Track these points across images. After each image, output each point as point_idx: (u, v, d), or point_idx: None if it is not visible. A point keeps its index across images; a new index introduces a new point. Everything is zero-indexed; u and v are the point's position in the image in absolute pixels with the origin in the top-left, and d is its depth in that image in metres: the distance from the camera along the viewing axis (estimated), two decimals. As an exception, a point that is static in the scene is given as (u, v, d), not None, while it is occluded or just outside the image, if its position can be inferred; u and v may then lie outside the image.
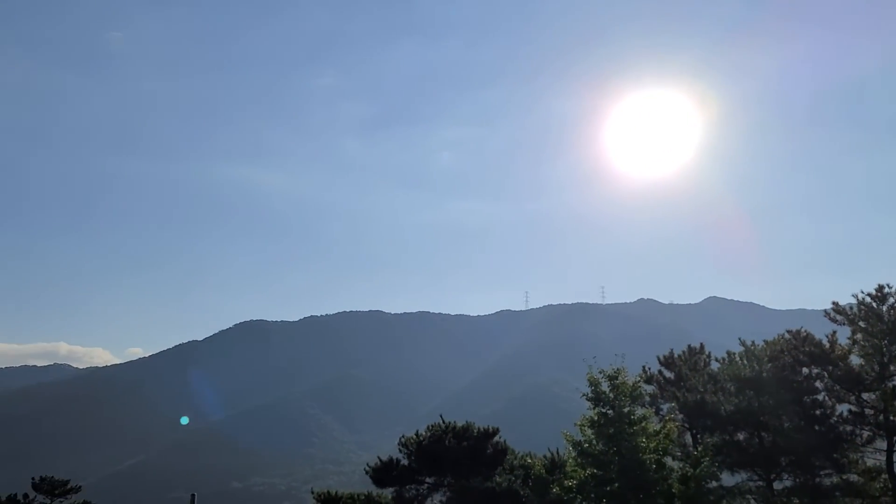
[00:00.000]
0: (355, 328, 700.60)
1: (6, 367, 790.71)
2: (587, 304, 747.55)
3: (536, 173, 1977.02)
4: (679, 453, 39.80)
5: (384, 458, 32.78)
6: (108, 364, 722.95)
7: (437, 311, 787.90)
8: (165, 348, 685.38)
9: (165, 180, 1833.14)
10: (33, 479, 70.38)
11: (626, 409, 33.21)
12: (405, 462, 32.46)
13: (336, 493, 33.11)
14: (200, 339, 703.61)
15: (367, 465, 33.27)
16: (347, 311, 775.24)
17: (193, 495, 38.31)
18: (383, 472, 32.38)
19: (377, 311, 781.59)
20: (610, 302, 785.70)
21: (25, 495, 68.51)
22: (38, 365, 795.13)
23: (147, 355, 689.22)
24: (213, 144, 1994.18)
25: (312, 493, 33.90)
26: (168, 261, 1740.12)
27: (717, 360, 45.39)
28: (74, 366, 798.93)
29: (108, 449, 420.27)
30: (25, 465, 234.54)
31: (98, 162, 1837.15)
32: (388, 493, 32.63)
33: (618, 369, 34.17)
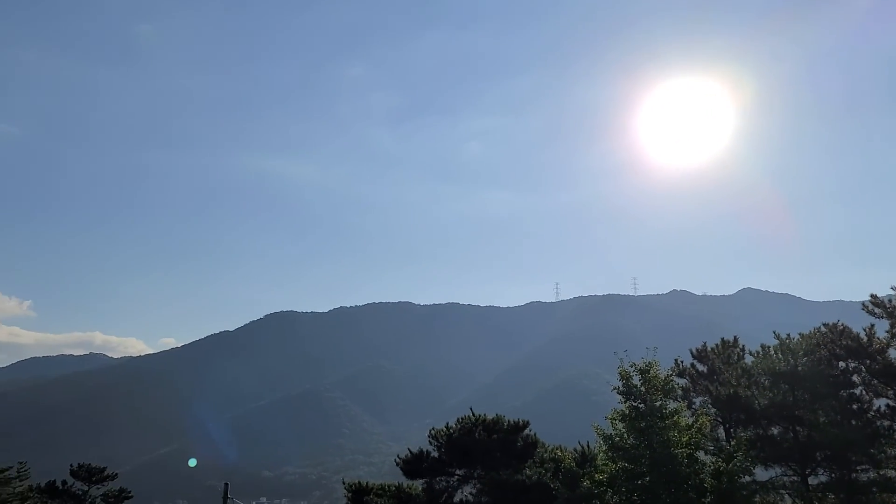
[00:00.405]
0: (384, 320, 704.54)
1: (43, 357, 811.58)
2: (619, 295, 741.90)
3: (567, 163, 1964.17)
4: (712, 447, 39.30)
5: (414, 450, 32.88)
6: (142, 354, 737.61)
7: (466, 303, 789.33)
8: (198, 339, 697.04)
9: (197, 173, 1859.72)
10: (71, 466, 72.04)
11: (657, 403, 32.85)
12: (435, 454, 32.52)
13: (367, 483, 33.32)
14: (232, 329, 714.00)
15: (398, 456, 33.43)
16: (376, 302, 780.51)
17: (226, 484, 38.85)
18: (413, 464, 32.50)
19: (406, 302, 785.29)
20: (642, 293, 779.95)
21: (64, 482, 70.17)
22: (75, 354, 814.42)
23: (180, 345, 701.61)
24: (243, 137, 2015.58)
25: (343, 483, 34.17)
26: (200, 253, 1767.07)
27: (751, 353, 44.68)
28: (109, 355, 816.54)
29: (142, 437, 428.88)
30: (63, 453, 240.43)
31: (131, 155, 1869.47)
32: (418, 484, 32.74)
33: (649, 363, 33.81)
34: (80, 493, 69.67)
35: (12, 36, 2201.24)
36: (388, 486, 32.71)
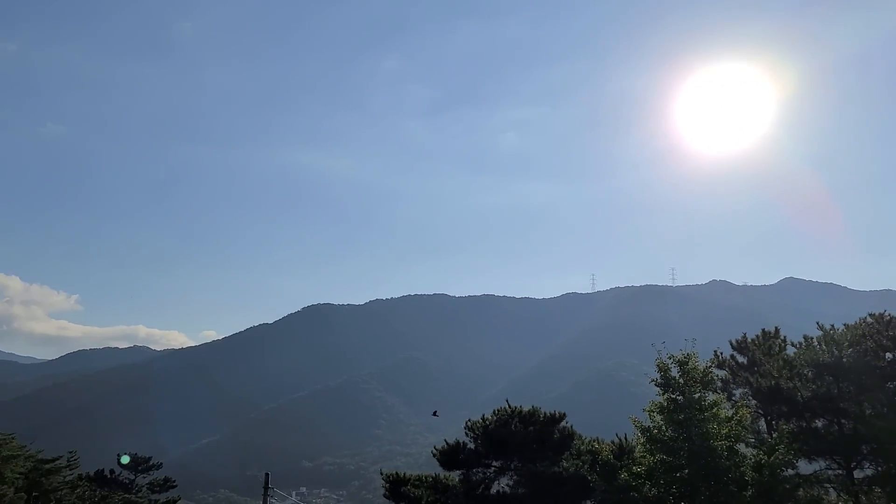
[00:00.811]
0: (419, 312, 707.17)
1: (90, 350, 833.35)
2: (656, 286, 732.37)
3: (603, 152, 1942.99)
4: (753, 440, 38.74)
5: (450, 441, 33.05)
6: (184, 346, 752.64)
7: (501, 295, 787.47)
8: (237, 331, 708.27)
9: (237, 167, 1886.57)
10: (118, 455, 74.09)
11: (696, 395, 32.48)
12: (471, 445, 32.65)
13: (404, 474, 33.59)
14: (270, 322, 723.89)
15: (434, 447, 33.62)
16: (411, 294, 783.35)
17: (267, 474, 39.55)
18: (450, 455, 32.65)
19: (441, 294, 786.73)
20: (680, 284, 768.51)
21: (112, 471, 72.17)
22: (120, 347, 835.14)
23: (220, 338, 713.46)
24: (279, 130, 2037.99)
25: (381, 474, 34.51)
26: (239, 247, 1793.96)
27: (792, 344, 43.87)
28: (153, 348, 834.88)
29: (185, 428, 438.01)
30: (110, 443, 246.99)
31: (174, 151, 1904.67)
32: (455, 475, 32.91)
33: (688, 355, 33.43)
34: (128, 481, 71.62)
35: (58, 37, 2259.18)
36: (426, 478, 32.93)
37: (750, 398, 41.87)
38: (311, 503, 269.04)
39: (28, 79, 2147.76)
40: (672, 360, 33.45)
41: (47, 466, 67.99)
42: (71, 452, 73.23)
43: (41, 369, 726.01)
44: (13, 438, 65.74)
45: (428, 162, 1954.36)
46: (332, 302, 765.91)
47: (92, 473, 71.72)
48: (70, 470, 71.33)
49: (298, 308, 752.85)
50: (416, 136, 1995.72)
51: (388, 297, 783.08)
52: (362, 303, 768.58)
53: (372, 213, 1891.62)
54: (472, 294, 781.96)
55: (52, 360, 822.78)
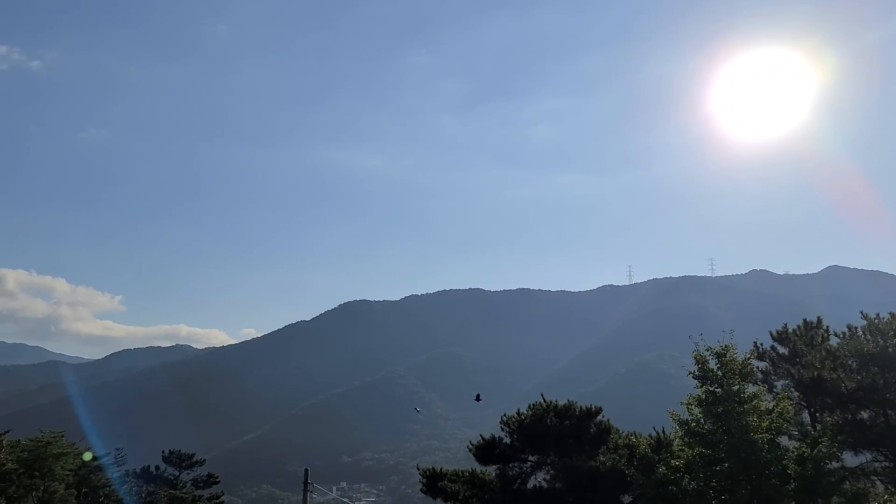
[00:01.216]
0: (455, 307, 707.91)
1: (135, 349, 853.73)
2: (695, 276, 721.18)
3: (639, 142, 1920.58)
4: (796, 432, 37.98)
5: (486, 436, 33.09)
6: (225, 344, 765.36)
7: (537, 288, 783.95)
8: (276, 328, 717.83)
9: (272, 166, 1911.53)
10: (163, 452, 75.76)
11: (735, 387, 31.95)
12: (507, 440, 32.62)
13: (440, 469, 33.73)
14: (308, 319, 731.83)
15: (470, 442, 33.70)
16: (447, 289, 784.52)
17: (307, 470, 40.06)
18: (486, 450, 32.68)
19: (476, 289, 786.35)
20: (719, 274, 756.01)
21: (157, 467, 73.87)
22: (162, 346, 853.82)
23: (260, 335, 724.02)
24: (312, 129, 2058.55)
25: (418, 469, 34.71)
26: (276, 245, 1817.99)
27: (836, 334, 42.83)
28: (194, 346, 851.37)
29: (227, 424, 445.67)
30: (155, 440, 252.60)
31: (208, 150, 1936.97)
32: (491, 470, 32.92)
33: (726, 346, 32.90)
34: (172, 477, 73.21)
35: (96, 43, 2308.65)
36: (462, 472, 33.02)
37: (792, 390, 41.05)
38: (352, 498, 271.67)
39: (69, 85, 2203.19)
40: (709, 351, 32.96)
41: (95, 463, 69.90)
42: (117, 449, 75.13)
43: (88, 369, 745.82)
44: (62, 436, 67.70)
45: (461, 156, 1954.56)
46: (368, 298, 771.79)
47: (138, 470, 73.49)
48: (117, 467, 73.20)
49: (335, 305, 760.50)
50: (448, 131, 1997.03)
51: (424, 293, 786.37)
52: (398, 299, 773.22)
53: (406, 209, 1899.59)
54: (507, 288, 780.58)
55: (99, 359, 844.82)
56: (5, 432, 67.06)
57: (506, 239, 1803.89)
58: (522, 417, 32.62)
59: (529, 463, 32.41)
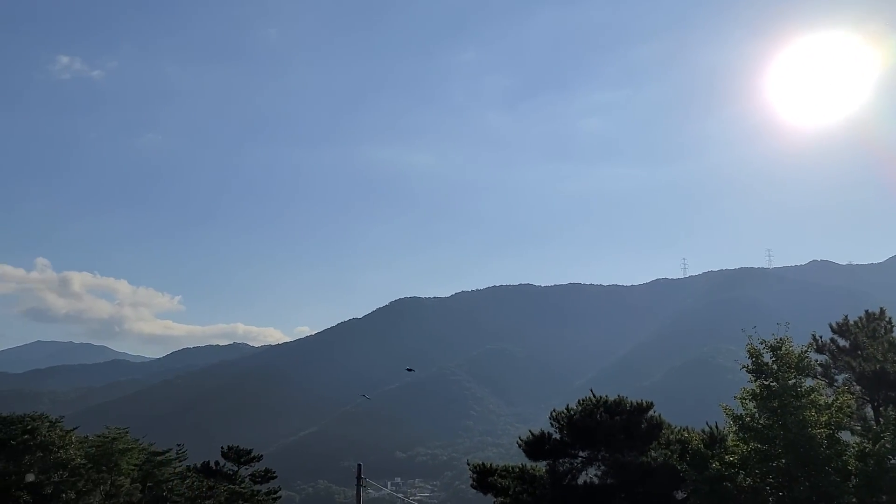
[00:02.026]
0: (506, 302, 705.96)
1: (194, 347, 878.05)
2: (752, 268, 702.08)
3: (692, 131, 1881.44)
4: (859, 428, 36.82)
5: (536, 432, 33.10)
6: (280, 342, 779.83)
7: (588, 283, 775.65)
8: (329, 326, 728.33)
9: (321, 166, 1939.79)
10: (222, 448, 77.81)
11: (791, 381, 31.17)
12: (557, 436, 32.55)
13: (491, 465, 33.89)
14: (360, 316, 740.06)
15: (520, 438, 33.76)
16: (497, 285, 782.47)
17: (359, 465, 40.70)
18: (535, 446, 32.68)
19: (527, 284, 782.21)
20: (778, 266, 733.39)
21: (217, 462, 75.95)
22: (220, 344, 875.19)
23: (313, 333, 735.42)
24: (361, 128, 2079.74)
25: (468, 464, 34.95)
26: (328, 244, 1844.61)
27: (900, 326, 41.36)
28: (251, 344, 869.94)
29: (283, 421, 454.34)
30: (214, 436, 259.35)
31: (259, 152, 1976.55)
32: (541, 465, 32.91)
33: (781, 339, 32.11)
34: (231, 472, 75.16)
35: (152, 51, 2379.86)
36: (512, 468, 33.10)
37: (853, 384, 39.85)
38: (406, 493, 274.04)
39: (127, 92, 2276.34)
40: (764, 345, 32.24)
41: (159, 458, 72.31)
42: (179, 445, 77.56)
43: (150, 367, 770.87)
44: (127, 432, 70.25)
45: (509, 151, 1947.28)
46: (418, 295, 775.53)
47: (199, 465, 75.67)
48: (179, 462, 75.56)
49: (386, 302, 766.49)
50: (495, 127, 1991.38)
51: (474, 289, 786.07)
52: (448, 295, 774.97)
53: (455, 206, 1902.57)
54: (558, 283, 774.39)
55: (160, 358, 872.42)
56: (74, 429, 69.96)
57: (556, 233, 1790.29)
58: (572, 413, 32.51)
59: (580, 458, 32.29)
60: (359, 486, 39.02)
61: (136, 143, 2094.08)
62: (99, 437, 67.74)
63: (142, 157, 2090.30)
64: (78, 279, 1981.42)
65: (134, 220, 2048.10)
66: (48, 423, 66.15)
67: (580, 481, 32.25)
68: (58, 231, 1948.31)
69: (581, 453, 32.25)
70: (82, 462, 63.57)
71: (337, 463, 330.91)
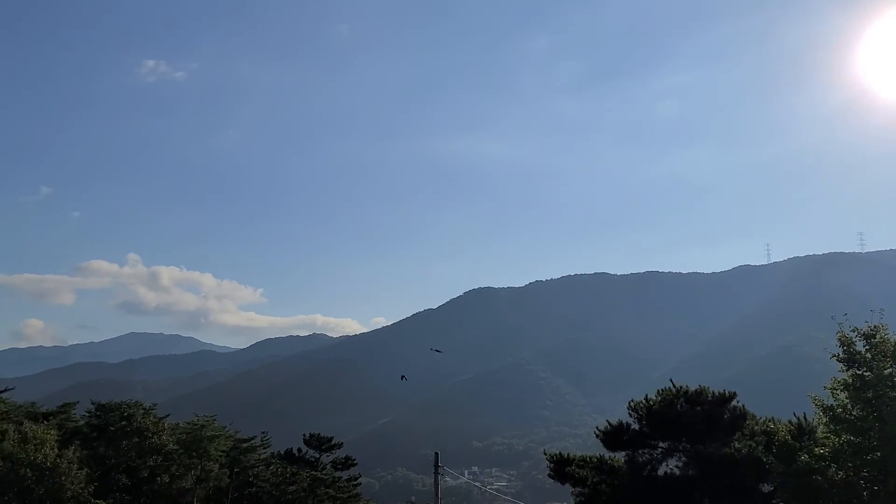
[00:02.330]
0: (581, 292, 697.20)
1: (275, 338, 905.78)
2: (842, 253, 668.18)
3: (776, 111, 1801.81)
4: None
5: (614, 422, 32.63)
6: (357, 333, 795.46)
7: (666, 270, 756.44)
8: (404, 317, 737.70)
9: (396, 160, 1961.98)
10: (304, 435, 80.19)
11: (887, 371, 29.56)
12: (635, 426, 31.99)
13: (568, 455, 33.66)
14: (435, 307, 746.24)
15: (597, 428, 33.36)
16: (572, 274, 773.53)
17: (436, 453, 41.15)
18: (613, 436, 32.22)
19: (602, 273, 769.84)
20: (870, 250, 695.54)
21: (299, 449, 78.37)
22: (300, 335, 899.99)
23: (389, 324, 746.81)
24: (433, 119, 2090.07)
25: (545, 454, 34.82)
26: (403, 236, 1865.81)
27: None
28: (329, 335, 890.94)
29: (361, 409, 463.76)
30: (295, 424, 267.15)
31: (334, 147, 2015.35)
32: (619, 456, 32.44)
33: (875, 327, 30.47)
34: (313, 459, 77.41)
35: (229, 51, 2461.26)
36: (590, 458, 32.77)
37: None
38: (483, 482, 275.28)
39: (207, 92, 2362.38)
40: (856, 333, 30.69)
41: (244, 445, 75.12)
42: (263, 433, 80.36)
43: (235, 357, 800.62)
44: (215, 420, 73.26)
45: (583, 138, 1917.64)
46: (492, 286, 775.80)
47: (282, 452, 78.26)
48: (263, 449, 78.33)
49: (460, 293, 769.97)
50: (568, 114, 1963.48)
51: (548, 279, 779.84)
52: (522, 285, 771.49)
53: (527, 195, 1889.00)
54: (635, 271, 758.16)
55: (244, 348, 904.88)
56: (166, 416, 73.50)
57: (632, 220, 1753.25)
58: (651, 403, 31.86)
59: (660, 449, 31.63)
60: (436, 474, 39.47)
61: (217, 141, 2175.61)
62: (189, 424, 70.89)
63: (222, 153, 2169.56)
64: (166, 273, 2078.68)
65: (217, 216, 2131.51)
66: (142, 411, 69.75)
67: (661, 472, 31.63)
68: (147, 227, 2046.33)
69: (661, 444, 31.61)
70: (174, 448, 66.72)
71: (414, 451, 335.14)
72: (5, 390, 68.11)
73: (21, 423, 52.55)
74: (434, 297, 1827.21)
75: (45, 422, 59.47)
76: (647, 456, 31.78)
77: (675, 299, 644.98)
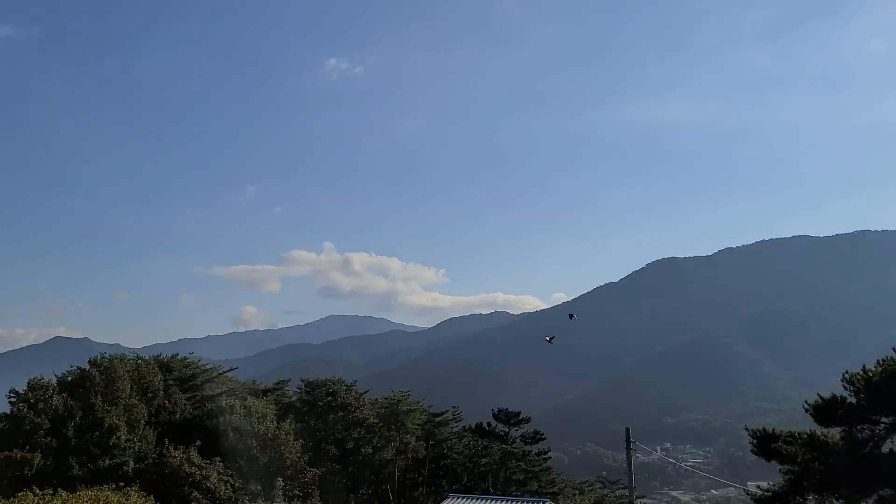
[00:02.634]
0: (777, 257, 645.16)
1: (459, 317, 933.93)
2: None
3: None
4: None
5: (825, 396, 29.97)
6: (538, 309, 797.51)
7: (878, 229, 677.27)
8: (585, 291, 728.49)
9: (570, 131, 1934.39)
10: (492, 410, 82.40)
11: None
12: (852, 400, 29.16)
13: (773, 430, 31.47)
14: (616, 280, 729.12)
15: (806, 402, 30.82)
16: (766, 239, 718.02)
17: (628, 429, 40.42)
18: (826, 411, 29.54)
19: (802, 235, 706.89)
20: None
21: (489, 423, 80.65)
22: (483, 313, 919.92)
23: (570, 299, 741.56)
24: (610, 86, 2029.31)
25: (747, 429, 32.83)
26: (579, 208, 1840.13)
27: None
28: (510, 312, 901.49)
29: (545, 385, 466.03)
30: (481, 400, 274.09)
31: (510, 126, 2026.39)
32: (833, 432, 29.80)
33: None
34: (503, 433, 79.37)
35: (404, 41, 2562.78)
36: (799, 434, 30.39)
37: None
38: (677, 459, 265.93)
39: (386, 83, 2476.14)
40: None
41: (438, 419, 78.63)
42: (454, 408, 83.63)
43: (423, 336, 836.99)
44: (409, 395, 77.36)
45: (775, 91, 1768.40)
46: (676, 255, 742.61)
47: (473, 426, 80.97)
48: (455, 423, 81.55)
49: (642, 265, 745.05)
50: (756, 65, 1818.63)
51: (739, 245, 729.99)
52: (710, 253, 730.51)
53: (711, 157, 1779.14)
54: (840, 232, 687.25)
55: (430, 328, 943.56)
56: (365, 392, 78.80)
57: (835, 176, 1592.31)
58: (870, 375, 28.84)
59: (882, 425, 28.60)
60: (629, 449, 38.75)
61: (396, 129, 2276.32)
62: (386, 399, 75.52)
63: (403, 141, 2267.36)
64: (357, 259, 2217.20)
65: (398, 202, 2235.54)
66: (345, 387, 75.38)
67: (884, 450, 28.66)
68: (337, 217, 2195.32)
69: (883, 419, 28.58)
70: (375, 421, 71.51)
71: (603, 427, 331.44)
72: (231, 370, 76.68)
73: (245, 399, 58.89)
74: (615, 270, 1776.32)
75: (265, 397, 66.22)
76: (868, 432, 28.89)
77: (889, 261, 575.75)
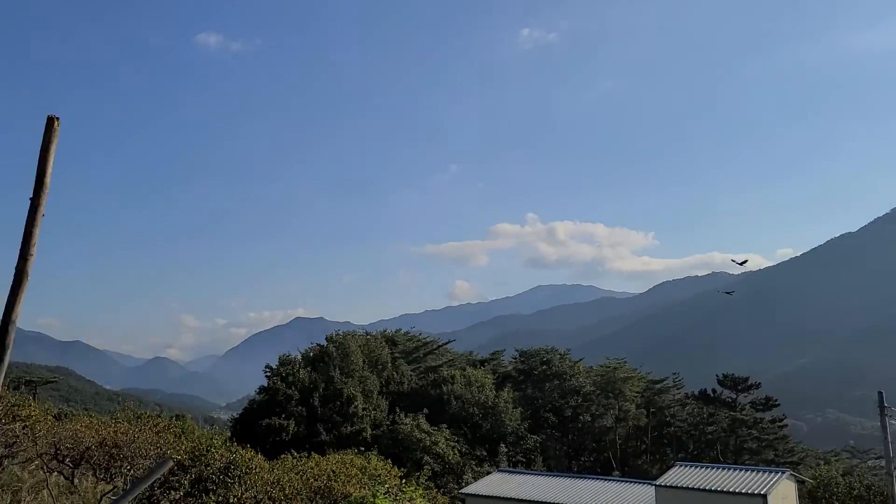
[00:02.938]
0: None
1: (673, 280, 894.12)
2: None
3: None
4: None
5: None
6: (761, 268, 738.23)
7: None
8: (817, 244, 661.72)
9: (790, 68, 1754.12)
10: (717, 376, 78.09)
11: None
12: None
13: None
14: (854, 230, 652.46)
15: None
16: None
17: (881, 393, 36.20)
18: None
19: None
20: None
21: (713, 390, 76.62)
22: (698, 275, 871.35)
23: (798, 254, 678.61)
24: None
25: None
26: (810, 155, 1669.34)
27: None
28: (730, 272, 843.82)
29: (774, 349, 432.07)
30: (702, 365, 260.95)
31: (722, 73, 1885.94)
32: None
33: None
34: (730, 400, 75.01)
35: (593, 6, 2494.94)
36: None
37: None
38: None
39: (578, 48, 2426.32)
40: None
41: (657, 387, 76.36)
42: (675, 374, 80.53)
43: (635, 302, 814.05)
44: (625, 362, 75.89)
45: None
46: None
47: (696, 393, 77.41)
48: (676, 390, 78.59)
49: (886, 210, 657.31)
50: None
51: None
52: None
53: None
54: None
55: (642, 293, 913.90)
56: (580, 360, 78.54)
57: None
58: None
59: None
60: (883, 415, 34.70)
61: (592, 94, 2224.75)
62: (602, 366, 74.77)
63: (600, 103, 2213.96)
64: (561, 228, 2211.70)
65: (601, 166, 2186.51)
66: (559, 356, 75.71)
67: None
68: (538, 187, 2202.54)
69: None
70: (591, 389, 71.16)
71: (846, 392, 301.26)
72: (449, 342, 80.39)
73: (464, 369, 61.58)
74: (853, 218, 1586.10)
75: (482, 367, 68.69)
76: None
77: None
